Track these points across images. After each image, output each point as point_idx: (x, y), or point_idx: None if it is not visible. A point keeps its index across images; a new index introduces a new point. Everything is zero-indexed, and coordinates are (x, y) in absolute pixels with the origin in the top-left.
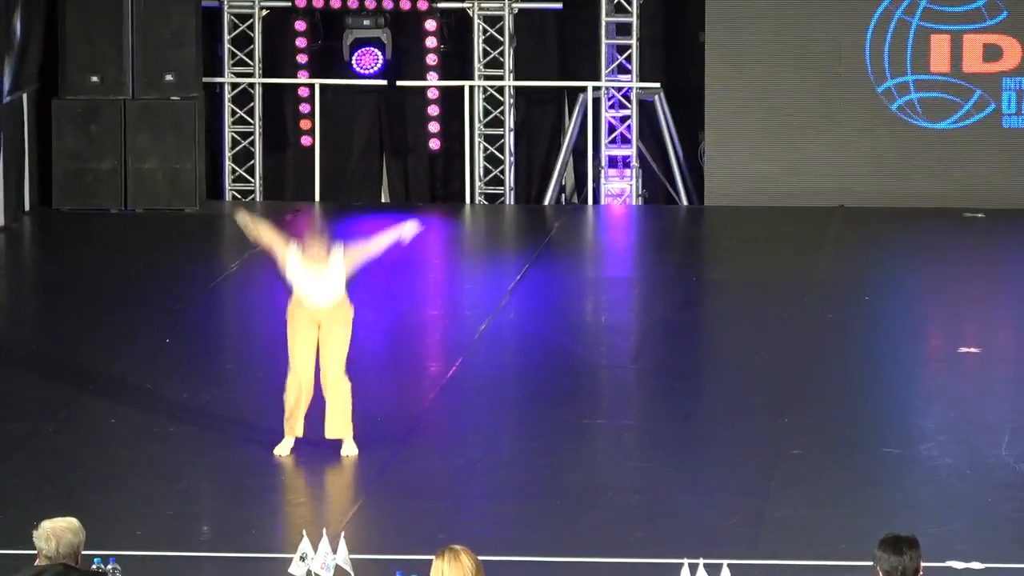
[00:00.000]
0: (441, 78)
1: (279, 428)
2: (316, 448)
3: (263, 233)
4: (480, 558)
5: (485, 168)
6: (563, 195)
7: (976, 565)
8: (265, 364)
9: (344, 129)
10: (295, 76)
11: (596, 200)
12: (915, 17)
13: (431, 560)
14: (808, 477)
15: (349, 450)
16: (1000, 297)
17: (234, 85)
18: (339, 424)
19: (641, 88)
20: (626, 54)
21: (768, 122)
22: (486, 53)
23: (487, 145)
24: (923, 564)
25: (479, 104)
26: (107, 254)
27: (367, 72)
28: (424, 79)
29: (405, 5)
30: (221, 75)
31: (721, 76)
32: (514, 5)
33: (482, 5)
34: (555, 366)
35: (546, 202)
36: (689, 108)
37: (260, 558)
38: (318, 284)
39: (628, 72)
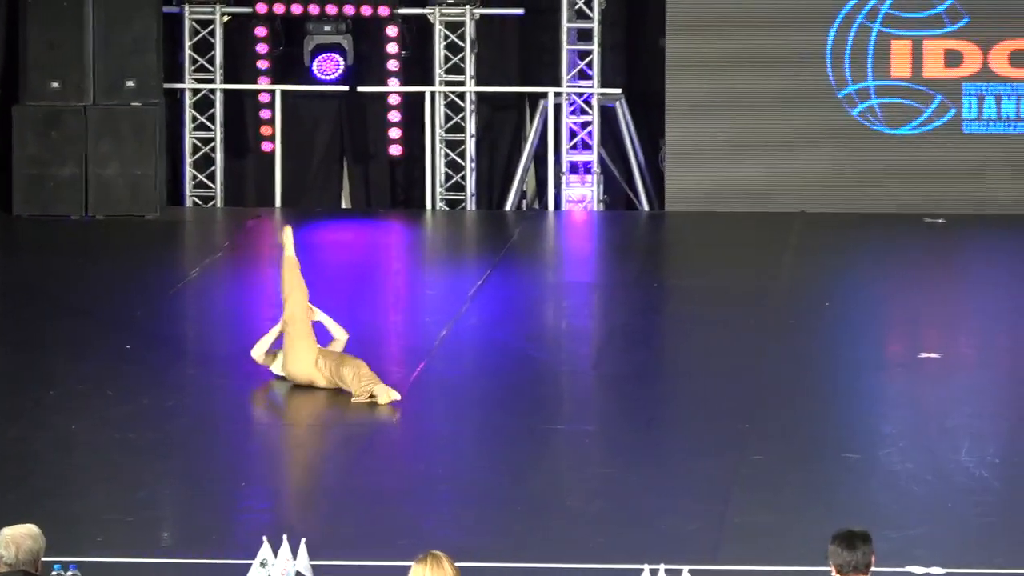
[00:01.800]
0: (402, 84)
1: (240, 433)
2: (278, 452)
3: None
4: None
5: (446, 174)
6: (524, 201)
7: (936, 570)
8: (226, 370)
9: (305, 135)
10: (256, 82)
11: (557, 206)
12: (876, 23)
13: (392, 566)
14: (769, 482)
15: (384, 398)
16: (960, 303)
17: (195, 91)
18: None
19: (602, 94)
20: (587, 60)
21: (729, 127)
22: (447, 59)
23: (448, 151)
24: (885, 569)
25: (440, 110)
26: (68, 261)
27: (328, 78)
28: (385, 85)
29: (366, 11)
30: (182, 81)
31: (682, 82)
32: (475, 11)
33: (443, 11)
34: (516, 372)
35: (507, 208)
36: (650, 114)
37: (220, 564)
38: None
39: (589, 78)
